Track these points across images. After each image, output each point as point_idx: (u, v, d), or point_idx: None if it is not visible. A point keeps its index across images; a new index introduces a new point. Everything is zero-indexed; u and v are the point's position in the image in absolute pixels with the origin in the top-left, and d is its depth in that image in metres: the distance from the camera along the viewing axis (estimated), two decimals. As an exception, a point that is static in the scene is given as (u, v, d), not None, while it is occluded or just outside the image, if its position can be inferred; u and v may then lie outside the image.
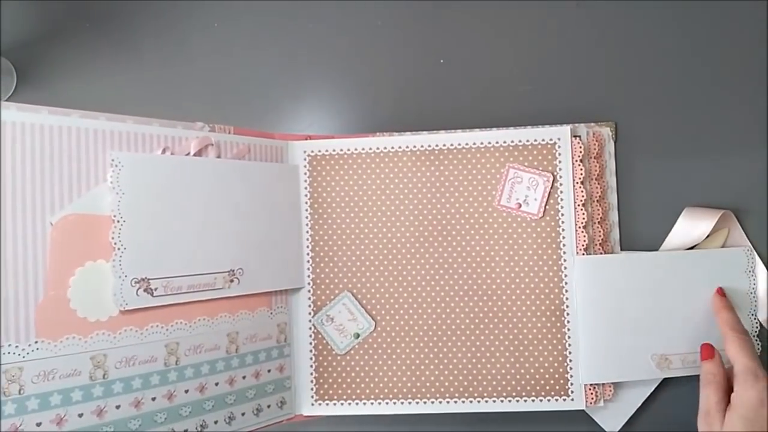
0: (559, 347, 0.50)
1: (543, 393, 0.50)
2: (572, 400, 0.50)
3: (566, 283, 0.50)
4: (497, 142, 0.51)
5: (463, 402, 0.50)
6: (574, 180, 0.51)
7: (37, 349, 0.39)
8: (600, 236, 0.52)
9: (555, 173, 0.51)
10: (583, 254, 0.51)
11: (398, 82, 0.55)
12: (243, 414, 0.48)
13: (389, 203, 0.52)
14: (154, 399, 0.44)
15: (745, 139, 0.54)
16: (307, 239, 0.52)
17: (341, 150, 0.52)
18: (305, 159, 0.53)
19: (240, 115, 0.54)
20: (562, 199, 0.51)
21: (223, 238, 0.47)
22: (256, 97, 0.55)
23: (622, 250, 0.54)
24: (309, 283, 0.52)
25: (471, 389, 0.50)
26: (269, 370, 0.50)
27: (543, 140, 0.51)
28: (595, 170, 0.53)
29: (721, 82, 0.54)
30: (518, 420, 0.52)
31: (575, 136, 0.51)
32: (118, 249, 0.42)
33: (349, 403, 0.51)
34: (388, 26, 0.56)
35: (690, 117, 0.54)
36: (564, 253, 0.51)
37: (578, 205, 0.51)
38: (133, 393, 0.43)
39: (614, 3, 0.55)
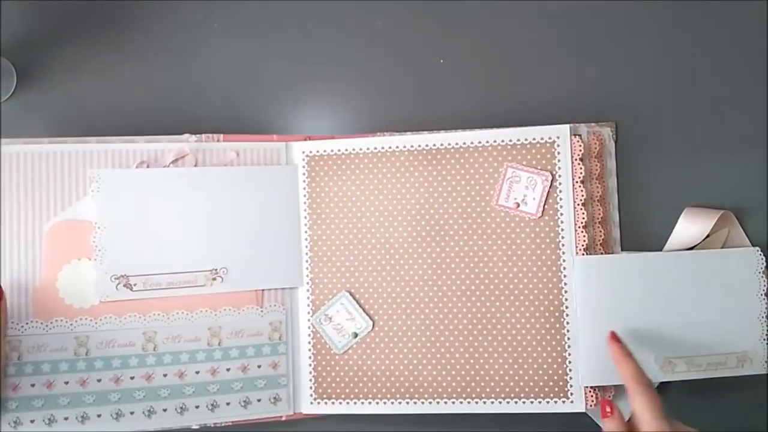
0: (558, 348, 0.50)
1: (542, 395, 0.50)
2: (572, 402, 0.49)
3: (565, 284, 0.50)
4: (495, 141, 0.51)
5: (461, 403, 0.50)
6: (573, 179, 0.50)
7: (32, 326, 0.49)
8: (601, 236, 0.52)
9: (554, 172, 0.50)
10: (584, 254, 0.50)
11: (399, 81, 0.55)
12: (228, 404, 0.51)
13: (387, 203, 0.52)
14: (132, 378, 0.50)
15: (746, 139, 0.53)
16: (306, 239, 0.52)
17: (339, 150, 0.53)
18: (304, 159, 0.53)
19: (240, 115, 0.55)
20: (561, 199, 0.50)
21: (205, 239, 0.51)
22: (256, 97, 0.55)
23: (623, 250, 0.53)
24: (308, 283, 0.52)
25: (469, 390, 0.50)
26: (259, 366, 0.51)
27: (542, 139, 0.51)
28: (596, 170, 0.52)
29: (722, 81, 0.54)
30: (518, 421, 0.52)
31: (575, 135, 0.51)
32: (99, 250, 0.50)
33: (348, 403, 0.51)
34: (388, 26, 0.56)
35: (690, 117, 0.54)
36: (563, 253, 0.50)
37: (578, 205, 0.50)
38: (113, 371, 0.50)
39: (616, 3, 0.55)
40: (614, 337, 0.47)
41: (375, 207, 0.52)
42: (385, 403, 0.51)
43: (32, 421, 0.48)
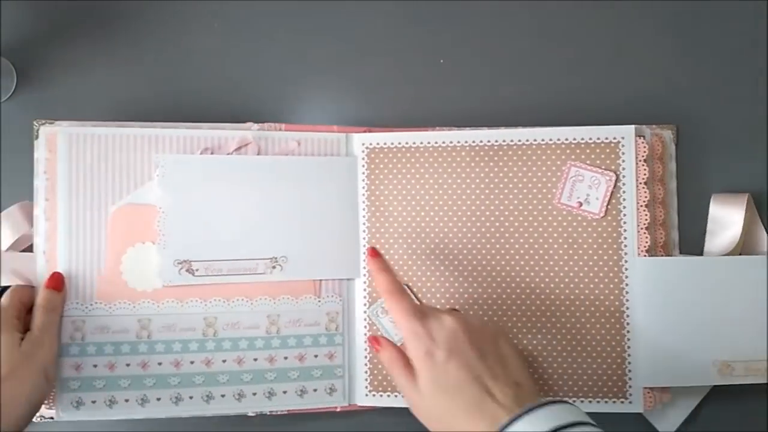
0: (618, 349, 0.49)
1: (600, 394, 0.49)
2: (630, 402, 0.49)
3: (627, 285, 0.50)
4: (558, 140, 0.51)
5: (518, 400, 0.50)
6: (637, 180, 0.50)
7: (96, 308, 0.50)
8: (662, 239, 0.51)
9: (618, 173, 0.50)
10: (645, 256, 0.50)
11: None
12: (285, 392, 0.51)
13: (447, 197, 0.52)
14: (192, 362, 0.50)
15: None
16: (364, 231, 0.53)
17: (399, 143, 0.53)
18: (363, 151, 0.53)
19: (240, 116, 0.54)
20: (624, 200, 0.50)
21: (265, 227, 0.51)
22: (257, 97, 0.55)
23: (681, 253, 0.53)
24: (365, 274, 0.52)
25: (526, 388, 0.50)
26: (316, 356, 0.51)
27: (606, 139, 0.50)
28: (659, 171, 0.52)
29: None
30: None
31: (639, 136, 0.50)
32: (163, 235, 0.50)
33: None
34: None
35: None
36: (625, 254, 0.50)
37: (641, 206, 0.50)
38: (173, 354, 0.50)
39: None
40: (373, 252, 0.48)
41: (434, 201, 0.52)
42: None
43: (93, 402, 0.49)
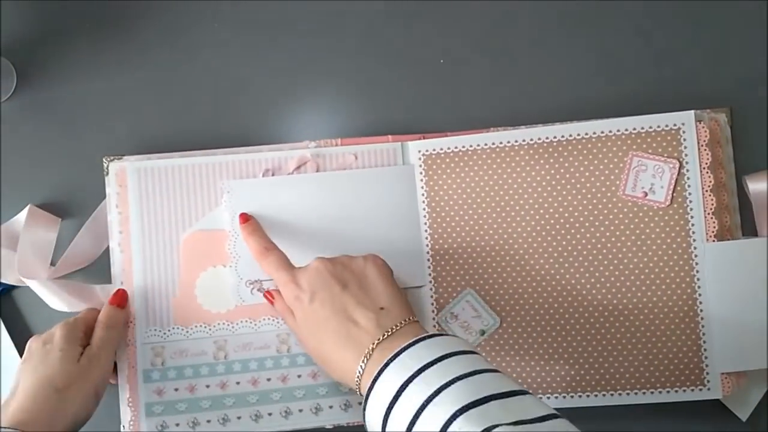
0: (693, 337, 0.49)
1: (678, 384, 0.49)
2: (708, 389, 0.49)
3: (697, 271, 0.49)
4: (618, 131, 0.50)
5: (596, 396, 0.50)
6: (701, 166, 0.49)
7: (174, 333, 0.51)
8: (727, 222, 0.51)
9: (681, 159, 0.50)
10: (714, 241, 0.49)
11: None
12: (359, 404, 0.50)
13: (508, 198, 0.52)
14: (269, 380, 0.51)
15: None
16: (427, 237, 0.53)
17: (456, 147, 0.52)
18: (420, 159, 0.53)
19: (240, 116, 0.54)
20: (689, 186, 0.49)
21: (331, 242, 0.52)
22: (257, 97, 0.55)
23: (743, 235, 0.53)
24: (430, 282, 0.52)
25: (603, 383, 0.50)
26: None
27: (666, 126, 0.50)
28: (719, 155, 0.51)
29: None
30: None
31: (698, 121, 0.50)
32: (234, 257, 0.51)
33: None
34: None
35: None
36: (694, 240, 0.49)
37: (707, 191, 0.49)
38: (250, 373, 0.51)
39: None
40: (244, 217, 0.51)
41: (495, 203, 0.52)
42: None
43: (177, 425, 0.50)
